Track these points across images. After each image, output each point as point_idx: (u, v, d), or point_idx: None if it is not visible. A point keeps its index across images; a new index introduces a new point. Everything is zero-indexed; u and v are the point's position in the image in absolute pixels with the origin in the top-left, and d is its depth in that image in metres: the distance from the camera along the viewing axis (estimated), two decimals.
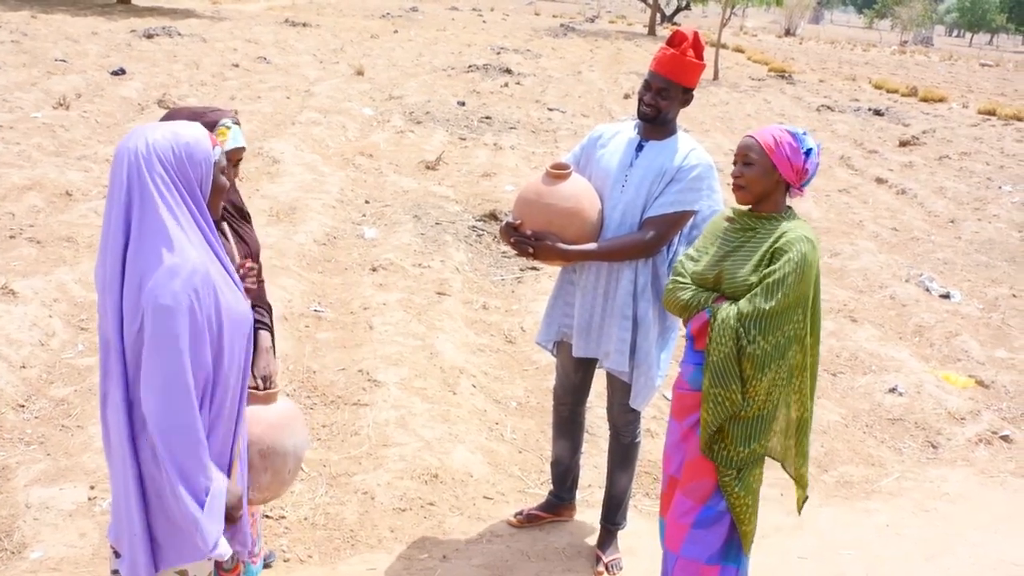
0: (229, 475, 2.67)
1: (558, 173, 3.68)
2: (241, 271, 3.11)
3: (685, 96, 3.72)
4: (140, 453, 2.49)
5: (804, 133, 3.13)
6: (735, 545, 3.27)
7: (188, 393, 2.45)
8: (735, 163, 3.19)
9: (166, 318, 2.38)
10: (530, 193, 3.73)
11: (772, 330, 3.05)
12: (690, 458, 3.26)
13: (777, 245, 3.06)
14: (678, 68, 3.62)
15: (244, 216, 3.45)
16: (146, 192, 2.39)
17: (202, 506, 2.50)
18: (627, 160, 3.75)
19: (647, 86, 3.70)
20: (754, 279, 3.08)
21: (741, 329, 3.04)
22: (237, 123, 3.20)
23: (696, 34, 3.66)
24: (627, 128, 3.87)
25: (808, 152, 3.10)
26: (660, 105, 3.67)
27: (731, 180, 3.21)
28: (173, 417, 2.43)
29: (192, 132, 2.52)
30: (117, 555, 2.67)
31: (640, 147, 3.75)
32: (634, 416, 3.98)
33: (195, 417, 2.47)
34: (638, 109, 3.75)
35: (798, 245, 3.04)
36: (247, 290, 3.02)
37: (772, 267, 3.04)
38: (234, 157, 3.17)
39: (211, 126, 3.09)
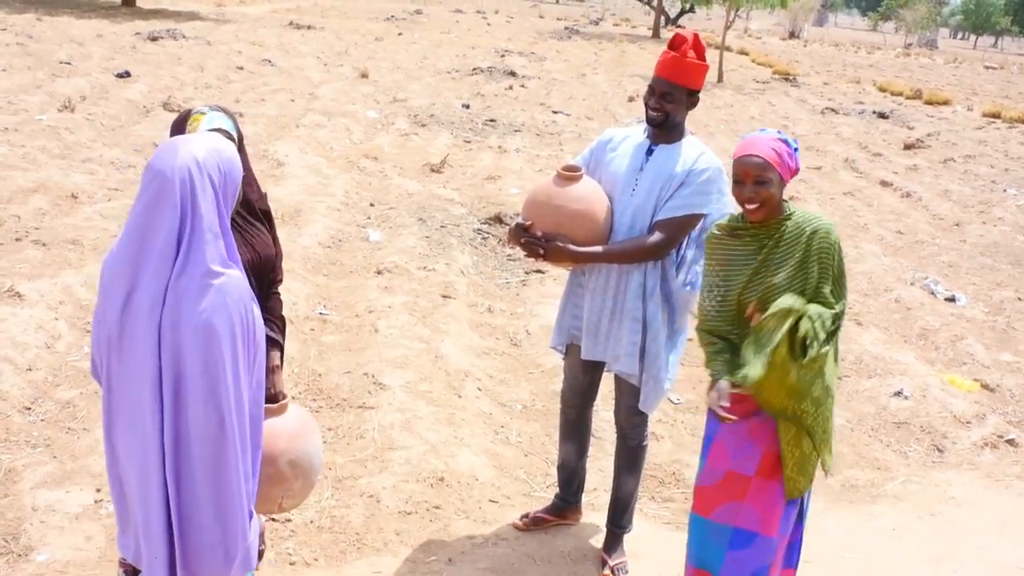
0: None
1: (569, 175, 3.69)
2: None
3: (691, 99, 3.73)
4: (179, 475, 2.47)
5: (779, 131, 3.19)
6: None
7: (242, 408, 2.46)
8: (741, 183, 3.15)
9: (218, 336, 2.37)
10: (541, 195, 3.74)
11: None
12: (771, 450, 3.27)
13: (817, 245, 3.12)
14: (680, 70, 3.63)
15: (258, 215, 3.42)
16: (198, 213, 2.37)
17: (248, 525, 2.53)
18: (637, 164, 3.76)
19: (651, 91, 3.71)
20: (798, 282, 3.12)
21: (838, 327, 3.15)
22: (221, 110, 3.10)
23: (696, 35, 3.66)
24: (637, 132, 3.87)
25: (796, 149, 3.17)
26: (666, 109, 3.68)
27: (737, 198, 3.20)
28: (223, 435, 2.43)
29: (226, 146, 2.52)
30: (137, 572, 2.67)
31: (650, 151, 3.76)
32: (641, 419, 3.98)
33: (239, 434, 2.48)
34: (646, 114, 3.75)
35: (831, 236, 3.13)
36: None
37: (827, 265, 3.12)
38: None
39: (183, 119, 3.06)
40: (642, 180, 3.73)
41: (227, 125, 3.05)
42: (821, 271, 3.13)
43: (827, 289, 3.14)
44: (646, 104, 3.74)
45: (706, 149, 3.80)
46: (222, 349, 2.39)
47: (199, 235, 2.38)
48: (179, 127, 3.04)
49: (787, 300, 3.08)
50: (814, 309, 3.09)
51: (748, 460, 3.29)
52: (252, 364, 2.54)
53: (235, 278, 2.42)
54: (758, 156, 3.11)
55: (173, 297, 2.36)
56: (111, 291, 2.42)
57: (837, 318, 3.15)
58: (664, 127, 3.73)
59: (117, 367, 2.45)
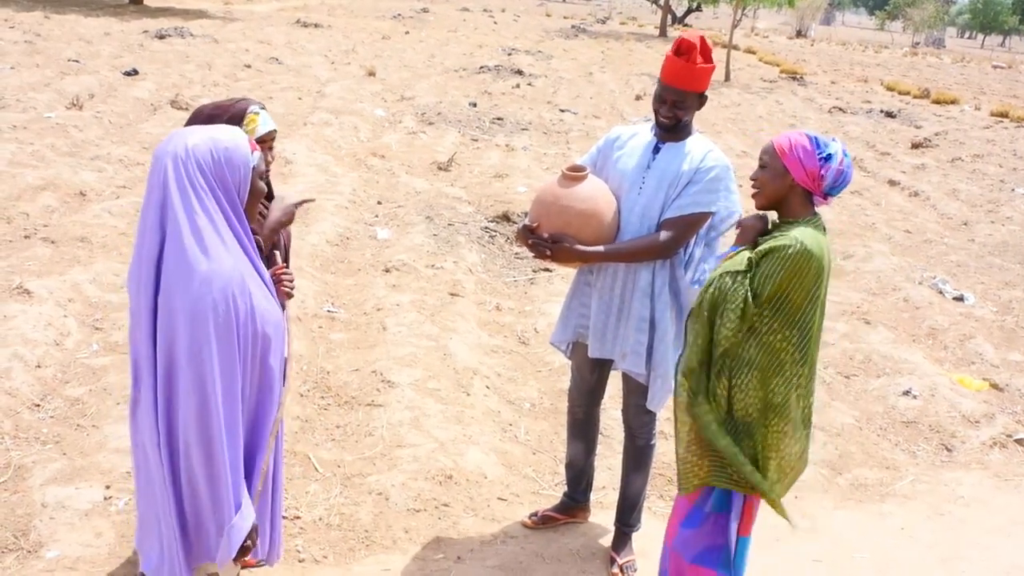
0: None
1: (574, 175, 3.68)
2: (274, 275, 3.12)
3: (700, 100, 3.71)
4: (173, 457, 2.49)
5: (833, 140, 3.06)
6: (728, 553, 3.28)
7: (233, 397, 2.47)
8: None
9: (202, 324, 2.38)
10: (547, 195, 3.72)
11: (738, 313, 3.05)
12: None
13: (769, 245, 3.04)
14: (691, 78, 3.59)
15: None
16: (184, 196, 2.38)
17: (229, 513, 2.53)
18: (644, 162, 3.75)
19: (662, 99, 3.67)
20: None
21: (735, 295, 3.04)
22: (263, 107, 3.23)
23: (702, 38, 3.61)
24: (644, 130, 3.86)
25: (828, 158, 3.01)
26: (678, 116, 3.67)
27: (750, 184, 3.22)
28: (208, 421, 2.44)
29: (231, 136, 2.52)
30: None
31: (657, 149, 3.75)
32: (649, 418, 3.97)
33: (227, 422, 2.48)
34: (656, 120, 3.74)
35: (786, 252, 2.98)
36: (285, 294, 3.06)
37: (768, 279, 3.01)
38: (268, 140, 3.20)
39: (239, 116, 3.10)
40: (649, 178, 3.72)
41: (273, 125, 3.23)
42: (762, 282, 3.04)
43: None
44: (657, 112, 3.71)
45: (713, 147, 3.78)
46: (208, 338, 2.39)
47: (184, 220, 2.39)
48: (233, 120, 3.08)
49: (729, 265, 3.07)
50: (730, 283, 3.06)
51: None
52: (249, 353, 2.54)
53: (225, 267, 2.42)
54: (772, 140, 3.13)
55: (165, 282, 2.39)
56: (132, 276, 2.47)
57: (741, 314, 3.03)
58: (674, 130, 3.72)
59: (139, 350, 2.50)
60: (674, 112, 3.66)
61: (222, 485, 2.51)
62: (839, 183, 3.07)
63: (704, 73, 3.62)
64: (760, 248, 3.06)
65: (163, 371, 2.43)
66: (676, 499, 3.36)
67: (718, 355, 3.10)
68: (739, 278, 3.03)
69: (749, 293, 3.02)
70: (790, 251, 2.97)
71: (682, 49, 3.59)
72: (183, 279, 2.37)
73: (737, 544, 3.28)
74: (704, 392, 3.14)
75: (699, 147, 3.72)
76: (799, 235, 3.01)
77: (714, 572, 3.28)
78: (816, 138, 3.05)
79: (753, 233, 3.14)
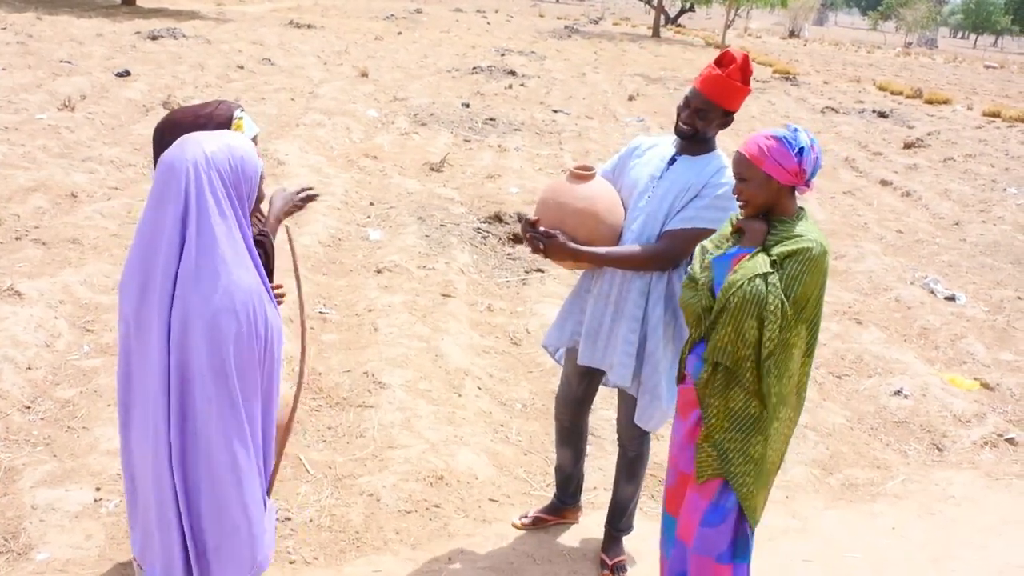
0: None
1: (580, 174, 3.69)
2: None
3: (725, 118, 3.64)
4: (185, 474, 2.47)
5: (795, 131, 3.08)
6: (743, 540, 3.29)
7: (252, 406, 2.47)
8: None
9: (225, 336, 2.37)
10: (549, 191, 3.76)
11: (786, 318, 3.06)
12: None
13: (791, 247, 3.05)
14: (721, 90, 3.54)
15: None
16: (204, 206, 2.35)
17: (255, 521, 2.53)
18: (657, 172, 3.70)
19: (687, 103, 3.62)
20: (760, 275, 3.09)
21: (771, 298, 3.01)
22: (243, 109, 3.20)
23: (745, 57, 3.55)
24: (666, 142, 3.80)
25: (802, 151, 3.04)
26: (696, 125, 3.60)
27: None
28: (228, 433, 2.43)
29: (244, 144, 2.51)
30: (141, 568, 2.68)
31: (673, 161, 3.70)
32: (640, 431, 3.91)
33: (257, 431, 2.49)
34: (676, 125, 3.70)
35: (807, 254, 3.03)
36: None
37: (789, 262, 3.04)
38: (254, 143, 3.18)
39: (226, 122, 3.08)
40: (658, 188, 3.67)
41: (257, 129, 3.21)
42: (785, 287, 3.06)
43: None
44: (678, 115, 3.67)
45: (729, 164, 3.67)
46: (229, 350, 2.38)
47: (205, 230, 2.37)
48: (220, 127, 3.07)
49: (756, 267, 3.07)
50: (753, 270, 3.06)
51: (689, 461, 3.34)
52: (263, 362, 2.54)
53: (244, 278, 2.41)
54: (741, 151, 3.12)
55: (182, 293, 2.36)
56: (128, 286, 2.44)
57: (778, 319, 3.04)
58: (692, 140, 3.67)
59: (137, 360, 2.47)
60: (693, 120, 3.60)
61: (232, 497, 2.51)
62: (816, 167, 3.12)
63: (736, 91, 3.56)
64: (780, 250, 3.05)
65: (177, 383, 2.40)
66: (688, 495, 3.32)
67: (761, 357, 3.08)
68: (770, 279, 3.03)
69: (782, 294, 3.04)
70: (814, 253, 3.03)
71: (723, 61, 3.54)
72: (204, 290, 2.34)
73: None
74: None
75: (714, 163, 3.65)
76: (815, 236, 3.07)
77: (731, 565, 3.30)
78: (783, 137, 3.06)
79: (762, 235, 3.13)
